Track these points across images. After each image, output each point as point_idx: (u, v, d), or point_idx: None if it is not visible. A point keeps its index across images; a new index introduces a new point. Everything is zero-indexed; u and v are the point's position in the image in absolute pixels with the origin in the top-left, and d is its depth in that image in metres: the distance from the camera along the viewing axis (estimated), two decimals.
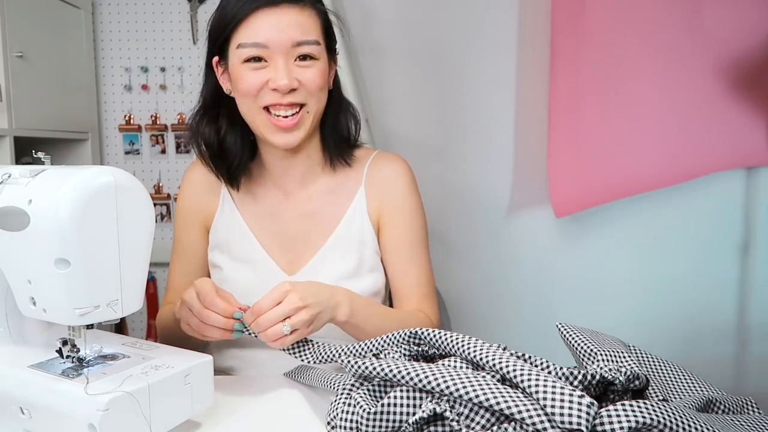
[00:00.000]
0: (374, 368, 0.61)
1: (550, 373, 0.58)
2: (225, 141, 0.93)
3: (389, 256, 0.96)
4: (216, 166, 0.94)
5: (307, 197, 0.96)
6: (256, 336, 0.76)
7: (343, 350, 0.75)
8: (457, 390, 0.54)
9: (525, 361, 0.60)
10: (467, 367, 0.60)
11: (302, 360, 0.78)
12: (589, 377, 0.54)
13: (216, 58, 0.91)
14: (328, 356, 0.76)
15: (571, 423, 0.48)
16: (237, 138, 0.93)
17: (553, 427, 0.49)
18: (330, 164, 0.96)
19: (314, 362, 0.77)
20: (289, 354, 0.78)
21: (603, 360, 0.62)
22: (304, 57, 0.85)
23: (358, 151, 0.99)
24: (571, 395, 0.49)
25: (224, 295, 0.76)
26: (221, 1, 0.88)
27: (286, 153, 0.92)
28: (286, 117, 0.85)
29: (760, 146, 1.49)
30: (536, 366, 0.59)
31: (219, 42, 0.88)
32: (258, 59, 0.84)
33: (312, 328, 0.77)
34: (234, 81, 0.88)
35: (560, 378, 0.57)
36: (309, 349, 0.78)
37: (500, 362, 0.57)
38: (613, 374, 0.54)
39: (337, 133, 0.95)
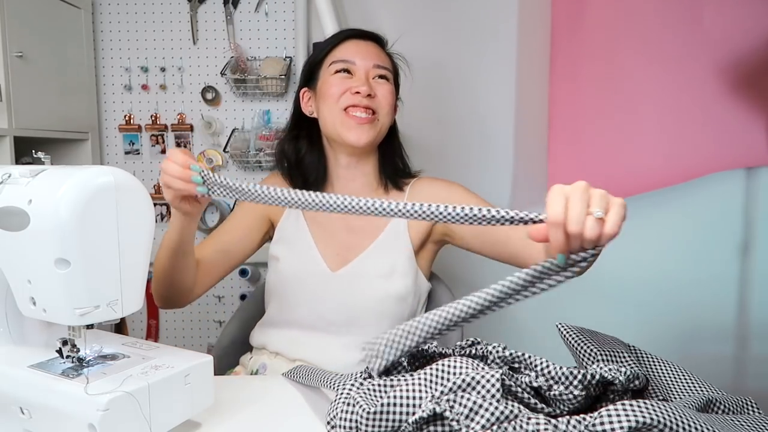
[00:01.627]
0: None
1: (549, 372, 0.58)
2: (305, 159, 1.12)
3: (485, 236, 1.01)
4: (293, 179, 1.13)
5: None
6: (216, 193, 0.77)
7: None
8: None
9: (522, 361, 0.60)
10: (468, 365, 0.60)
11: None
12: (588, 377, 0.54)
13: (304, 89, 1.13)
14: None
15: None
16: (315, 157, 1.12)
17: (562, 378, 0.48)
18: (384, 187, 1.13)
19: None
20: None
21: (603, 360, 0.62)
22: (381, 76, 1.07)
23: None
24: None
25: (191, 155, 0.81)
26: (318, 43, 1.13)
27: (350, 162, 1.10)
28: (362, 116, 1.03)
29: (760, 146, 1.49)
30: (536, 366, 0.59)
31: (313, 65, 1.11)
32: (346, 71, 1.06)
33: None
34: (322, 91, 1.07)
35: (560, 378, 0.57)
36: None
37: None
38: (613, 374, 0.54)
39: (393, 166, 1.14)
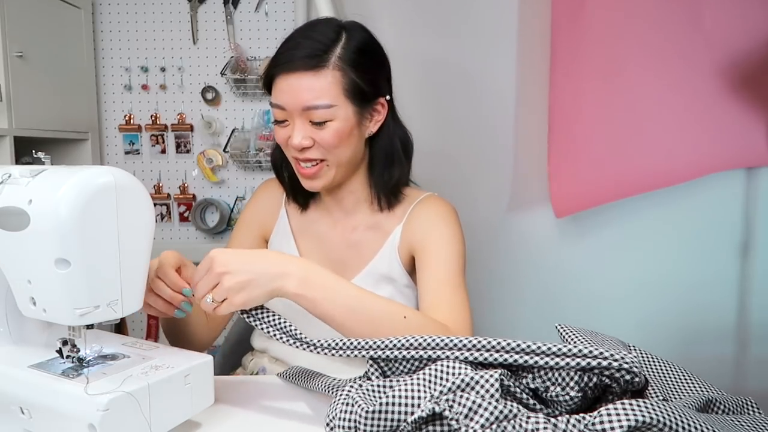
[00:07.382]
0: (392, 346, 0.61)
1: (546, 373, 0.58)
2: (292, 169, 0.99)
3: (421, 289, 0.94)
4: (285, 187, 1.05)
5: (352, 227, 1.02)
6: None
7: (299, 335, 0.71)
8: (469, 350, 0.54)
9: (519, 364, 0.60)
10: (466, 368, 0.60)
11: (258, 327, 0.74)
12: (585, 379, 0.54)
13: None
14: (286, 331, 0.72)
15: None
16: None
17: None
18: (377, 204, 1.00)
19: (270, 333, 0.72)
20: (243, 317, 0.74)
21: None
22: (315, 123, 0.89)
23: (409, 190, 1.03)
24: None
25: (185, 272, 0.77)
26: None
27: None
28: (307, 167, 0.93)
29: (760, 146, 1.49)
30: (533, 368, 0.59)
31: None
32: (282, 119, 0.92)
33: (248, 297, 0.71)
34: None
35: (557, 379, 0.57)
36: (266, 317, 0.73)
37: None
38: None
39: (382, 182, 0.99)
